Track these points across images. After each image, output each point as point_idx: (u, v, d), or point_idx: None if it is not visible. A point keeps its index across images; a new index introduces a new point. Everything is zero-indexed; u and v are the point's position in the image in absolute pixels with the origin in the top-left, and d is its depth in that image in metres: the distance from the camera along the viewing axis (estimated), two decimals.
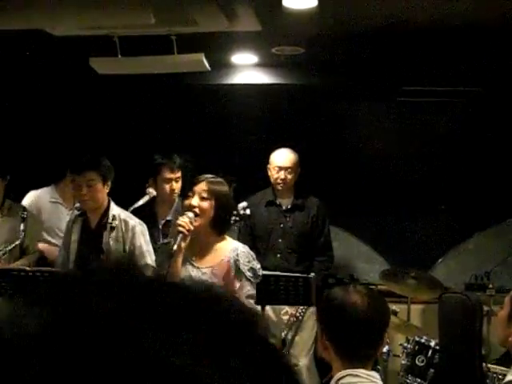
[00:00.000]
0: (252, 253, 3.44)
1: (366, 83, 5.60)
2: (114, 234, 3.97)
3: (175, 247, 3.16)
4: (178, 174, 4.63)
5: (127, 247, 3.99)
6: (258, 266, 3.42)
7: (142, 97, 5.89)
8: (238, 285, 3.33)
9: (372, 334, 2.10)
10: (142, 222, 4.12)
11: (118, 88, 5.58)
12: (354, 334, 2.08)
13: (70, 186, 4.22)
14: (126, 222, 4.01)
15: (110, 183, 4.04)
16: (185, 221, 3.22)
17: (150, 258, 4.06)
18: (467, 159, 5.83)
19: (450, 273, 5.86)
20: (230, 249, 3.38)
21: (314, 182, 5.29)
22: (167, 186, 4.61)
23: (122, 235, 3.99)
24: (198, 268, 3.35)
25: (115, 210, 4.06)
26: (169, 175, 4.59)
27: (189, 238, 3.26)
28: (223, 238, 3.42)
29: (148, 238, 4.11)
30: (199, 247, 3.38)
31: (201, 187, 3.30)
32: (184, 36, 4.18)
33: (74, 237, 4.05)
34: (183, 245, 3.24)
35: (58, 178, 4.97)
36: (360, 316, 2.07)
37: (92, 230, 4.05)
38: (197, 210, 3.26)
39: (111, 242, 3.95)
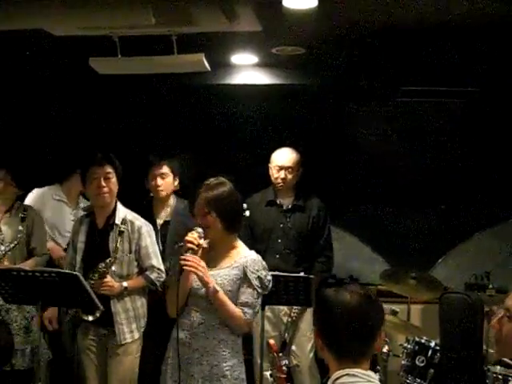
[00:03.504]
0: (263, 262, 3.36)
1: (365, 83, 5.60)
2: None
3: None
4: (162, 170, 4.66)
5: (133, 248, 4.00)
6: (269, 277, 3.35)
7: (142, 97, 5.89)
8: (240, 290, 3.29)
9: (362, 332, 2.10)
10: (148, 223, 4.12)
11: (118, 88, 5.58)
12: (343, 332, 2.08)
13: (80, 184, 4.20)
14: (132, 223, 4.01)
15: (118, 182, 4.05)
16: (193, 236, 3.25)
17: (156, 259, 4.08)
18: (467, 159, 5.83)
19: (450, 273, 5.86)
20: (243, 255, 3.35)
21: (313, 182, 5.28)
22: (152, 183, 4.67)
23: (128, 236, 3.99)
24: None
25: (122, 210, 4.05)
26: (153, 171, 4.65)
27: (200, 251, 3.28)
28: (239, 245, 3.39)
29: (154, 239, 4.12)
30: (214, 250, 3.37)
31: (199, 205, 3.30)
32: (184, 36, 4.18)
33: (82, 237, 4.05)
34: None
35: (63, 176, 4.98)
36: (348, 314, 2.08)
37: (99, 230, 4.04)
38: (200, 230, 3.29)
39: (117, 243, 3.95)
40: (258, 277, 3.29)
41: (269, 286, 3.35)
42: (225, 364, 3.27)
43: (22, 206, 4.61)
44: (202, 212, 3.29)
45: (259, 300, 3.35)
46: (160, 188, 4.66)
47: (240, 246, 3.41)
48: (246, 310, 3.28)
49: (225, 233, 3.33)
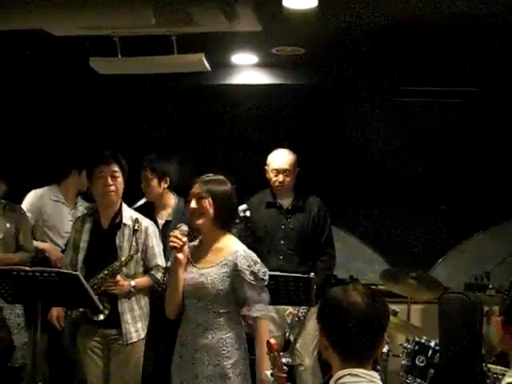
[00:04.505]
0: (253, 256, 3.35)
1: (365, 83, 5.60)
2: (126, 234, 3.95)
3: (169, 264, 3.21)
4: (146, 175, 4.69)
5: (140, 247, 3.99)
6: (263, 269, 3.34)
7: (142, 97, 5.89)
8: (239, 290, 3.28)
9: (370, 334, 2.08)
10: (152, 223, 4.14)
11: (118, 88, 5.58)
12: (352, 333, 2.06)
13: (77, 183, 4.17)
14: (139, 223, 4.01)
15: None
16: (175, 235, 3.29)
17: (161, 259, 4.08)
18: (467, 159, 5.83)
19: (450, 273, 5.86)
20: (232, 251, 3.33)
21: (314, 182, 5.28)
22: (142, 186, 4.73)
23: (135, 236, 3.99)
24: (198, 269, 3.34)
25: (127, 211, 4.05)
26: (141, 176, 4.70)
27: (186, 248, 3.31)
28: (228, 239, 3.39)
29: (158, 238, 4.12)
30: (205, 247, 3.38)
31: (196, 189, 3.33)
32: (184, 36, 4.18)
33: (85, 237, 4.01)
34: (182, 256, 3.30)
35: (61, 177, 4.98)
36: (358, 315, 2.06)
37: (104, 230, 4.02)
38: (184, 228, 3.33)
39: (124, 243, 3.94)
40: (252, 271, 3.28)
41: (265, 277, 3.33)
42: (226, 362, 3.27)
43: (14, 206, 4.56)
44: (199, 196, 3.30)
45: (264, 292, 3.32)
46: (145, 191, 4.74)
47: (229, 241, 3.39)
48: (255, 307, 3.28)
49: (213, 225, 3.33)
